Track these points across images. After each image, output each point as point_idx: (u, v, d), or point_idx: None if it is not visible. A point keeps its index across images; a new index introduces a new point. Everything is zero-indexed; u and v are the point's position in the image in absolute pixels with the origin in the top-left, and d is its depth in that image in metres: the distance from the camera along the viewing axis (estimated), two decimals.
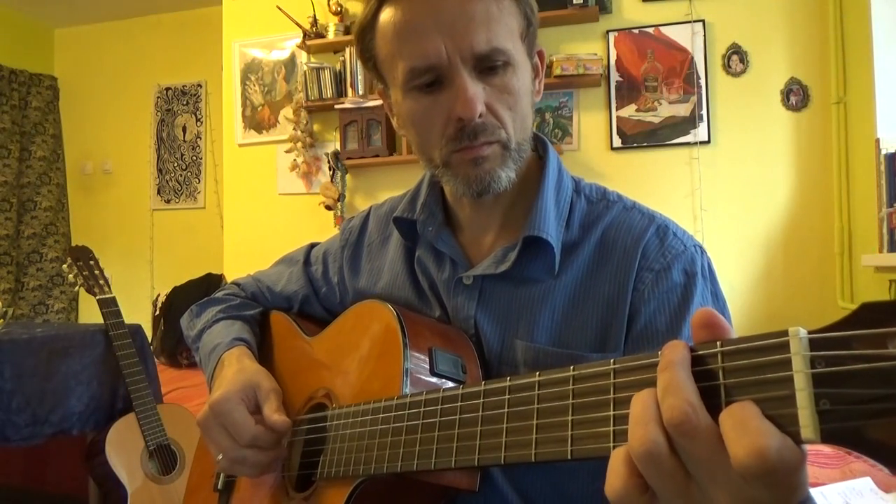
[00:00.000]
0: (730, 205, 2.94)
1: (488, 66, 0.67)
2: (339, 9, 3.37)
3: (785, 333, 0.35)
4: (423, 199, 0.83)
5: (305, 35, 3.39)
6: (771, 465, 0.33)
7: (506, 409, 0.50)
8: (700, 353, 0.39)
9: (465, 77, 0.66)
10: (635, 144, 3.06)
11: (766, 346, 0.35)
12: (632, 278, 0.70)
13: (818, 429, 0.33)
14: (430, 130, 0.70)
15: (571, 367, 0.46)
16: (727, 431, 0.35)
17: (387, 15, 0.70)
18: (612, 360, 0.43)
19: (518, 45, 0.70)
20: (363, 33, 0.73)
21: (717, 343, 0.38)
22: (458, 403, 0.55)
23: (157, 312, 3.79)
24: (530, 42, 0.73)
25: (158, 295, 3.94)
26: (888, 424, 0.31)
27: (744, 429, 0.34)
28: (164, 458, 1.85)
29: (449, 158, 0.70)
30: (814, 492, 1.45)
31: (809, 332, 0.34)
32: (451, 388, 0.57)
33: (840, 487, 1.50)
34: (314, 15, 3.40)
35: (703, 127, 2.97)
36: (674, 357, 0.38)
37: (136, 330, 1.99)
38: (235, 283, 1.05)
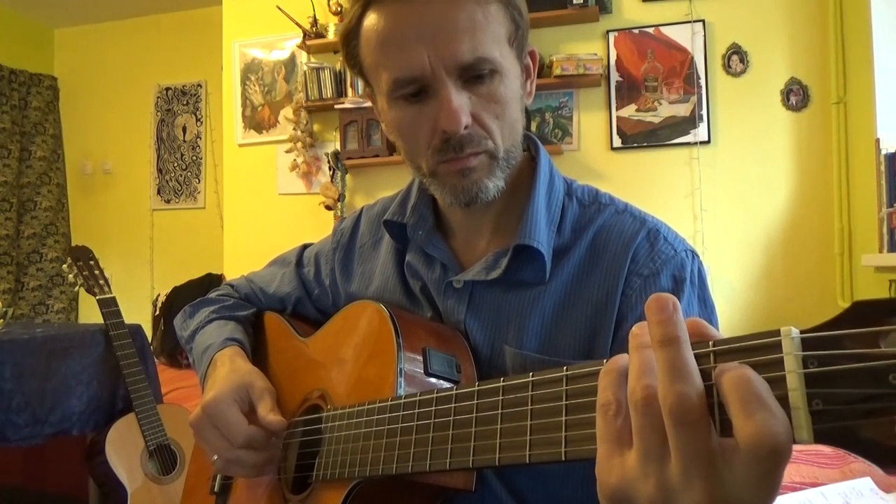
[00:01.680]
0: (730, 205, 2.94)
1: (474, 75, 0.65)
2: (339, 9, 3.37)
3: (777, 333, 0.35)
4: (414, 201, 0.82)
5: (305, 35, 3.39)
6: (783, 441, 0.32)
7: (500, 411, 0.50)
8: (692, 353, 0.38)
9: (449, 88, 0.64)
10: (635, 144, 3.06)
11: (758, 346, 0.35)
12: (621, 283, 0.69)
13: (811, 429, 0.33)
14: (415, 140, 0.69)
15: (565, 368, 0.46)
16: (735, 403, 0.33)
17: (370, 22, 0.67)
18: (605, 361, 0.43)
19: (506, 50, 0.68)
20: (348, 39, 0.71)
21: (710, 343, 0.38)
22: (453, 405, 0.55)
23: (157, 312, 3.80)
24: (519, 45, 0.71)
25: (158, 295, 3.95)
26: (879, 424, 0.31)
27: (759, 403, 0.33)
28: (164, 458, 1.85)
29: (436, 169, 0.69)
30: (813, 492, 1.45)
31: (801, 332, 0.34)
32: (445, 389, 0.57)
33: (840, 487, 1.50)
34: (314, 15, 3.40)
35: (703, 127, 2.96)
36: (679, 332, 0.37)
37: (136, 330, 1.99)
38: (229, 285, 1.04)
